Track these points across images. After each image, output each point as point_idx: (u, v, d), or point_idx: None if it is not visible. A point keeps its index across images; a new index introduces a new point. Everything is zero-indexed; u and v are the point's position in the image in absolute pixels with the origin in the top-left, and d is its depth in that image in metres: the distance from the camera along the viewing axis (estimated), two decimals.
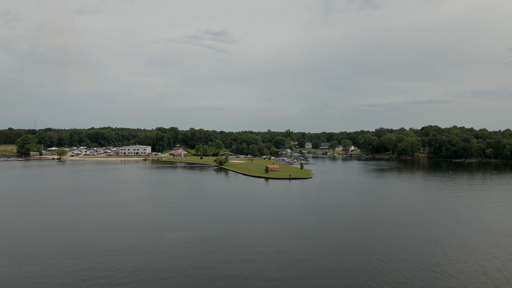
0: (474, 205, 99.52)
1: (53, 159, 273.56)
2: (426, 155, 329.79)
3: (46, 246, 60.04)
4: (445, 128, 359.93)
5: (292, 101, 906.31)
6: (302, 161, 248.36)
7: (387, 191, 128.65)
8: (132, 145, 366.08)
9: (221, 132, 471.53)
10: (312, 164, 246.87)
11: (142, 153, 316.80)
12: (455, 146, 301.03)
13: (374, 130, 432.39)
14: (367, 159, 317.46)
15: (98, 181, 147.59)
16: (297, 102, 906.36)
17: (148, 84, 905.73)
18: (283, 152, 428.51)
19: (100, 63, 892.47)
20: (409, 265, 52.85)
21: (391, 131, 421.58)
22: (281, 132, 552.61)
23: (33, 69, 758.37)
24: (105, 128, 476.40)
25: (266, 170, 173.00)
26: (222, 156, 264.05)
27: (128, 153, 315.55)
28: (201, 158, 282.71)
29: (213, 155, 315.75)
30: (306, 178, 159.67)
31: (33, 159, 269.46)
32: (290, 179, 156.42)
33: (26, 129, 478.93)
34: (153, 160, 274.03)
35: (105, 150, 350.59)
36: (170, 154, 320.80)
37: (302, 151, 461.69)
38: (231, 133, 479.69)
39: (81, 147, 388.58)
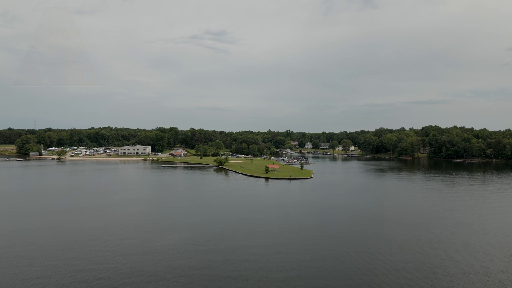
0: (475, 205, 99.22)
1: (53, 159, 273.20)
2: (426, 155, 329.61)
3: (45, 246, 59.72)
4: (445, 128, 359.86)
5: (292, 101, 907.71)
6: (302, 161, 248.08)
7: (387, 191, 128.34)
8: (132, 145, 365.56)
9: (221, 132, 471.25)
10: (312, 164, 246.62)
11: (142, 153, 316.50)
12: (455, 146, 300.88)
13: (374, 130, 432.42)
14: (367, 159, 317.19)
15: (98, 181, 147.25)
16: (297, 102, 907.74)
17: (148, 84, 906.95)
18: (283, 152, 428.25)
19: (100, 63, 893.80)
20: (410, 265, 52.51)
21: (391, 131, 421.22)
22: (281, 132, 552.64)
23: (33, 69, 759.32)
24: (105, 128, 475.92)
25: (266, 170, 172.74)
26: (222, 156, 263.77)
27: (128, 153, 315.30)
28: (201, 158, 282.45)
29: (213, 155, 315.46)
30: (306, 178, 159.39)
31: (33, 159, 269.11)
32: (290, 179, 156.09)
33: (26, 129, 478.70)
34: (153, 160, 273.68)
35: (105, 150, 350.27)
36: (170, 154, 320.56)
37: (302, 151, 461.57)
38: (231, 133, 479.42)
39: (81, 147, 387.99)
